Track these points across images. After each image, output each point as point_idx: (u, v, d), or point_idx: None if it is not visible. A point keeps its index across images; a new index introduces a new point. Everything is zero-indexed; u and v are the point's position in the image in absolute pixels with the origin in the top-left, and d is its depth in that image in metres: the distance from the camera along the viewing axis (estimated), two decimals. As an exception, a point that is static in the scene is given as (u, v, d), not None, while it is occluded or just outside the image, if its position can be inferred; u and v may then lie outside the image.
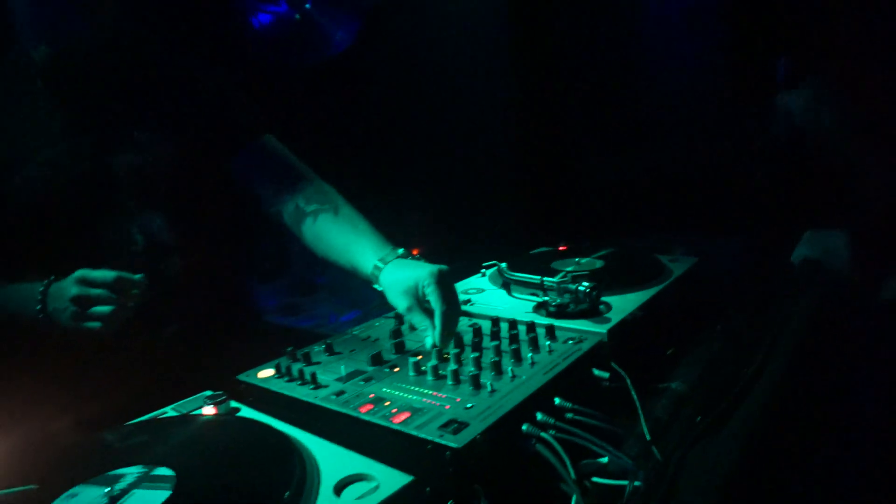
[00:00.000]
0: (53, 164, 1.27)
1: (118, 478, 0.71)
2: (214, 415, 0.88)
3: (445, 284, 1.10)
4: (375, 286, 1.25)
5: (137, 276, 1.15)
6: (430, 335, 1.07)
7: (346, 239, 1.37)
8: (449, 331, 1.06)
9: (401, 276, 1.17)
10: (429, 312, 1.10)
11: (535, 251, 1.78)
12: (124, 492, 0.68)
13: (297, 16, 2.45)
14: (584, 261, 1.52)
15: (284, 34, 2.47)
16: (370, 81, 2.85)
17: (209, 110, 1.47)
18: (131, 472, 0.72)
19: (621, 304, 1.22)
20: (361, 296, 1.65)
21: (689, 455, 0.85)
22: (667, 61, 2.36)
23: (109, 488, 0.68)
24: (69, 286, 1.14)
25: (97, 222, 1.32)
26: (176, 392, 0.97)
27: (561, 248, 1.74)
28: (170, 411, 0.91)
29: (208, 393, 0.94)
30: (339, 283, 2.45)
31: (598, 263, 1.50)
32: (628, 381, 0.99)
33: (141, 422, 0.89)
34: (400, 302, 1.15)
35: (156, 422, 0.89)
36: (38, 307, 1.17)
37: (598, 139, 2.59)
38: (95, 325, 1.14)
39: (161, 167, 1.38)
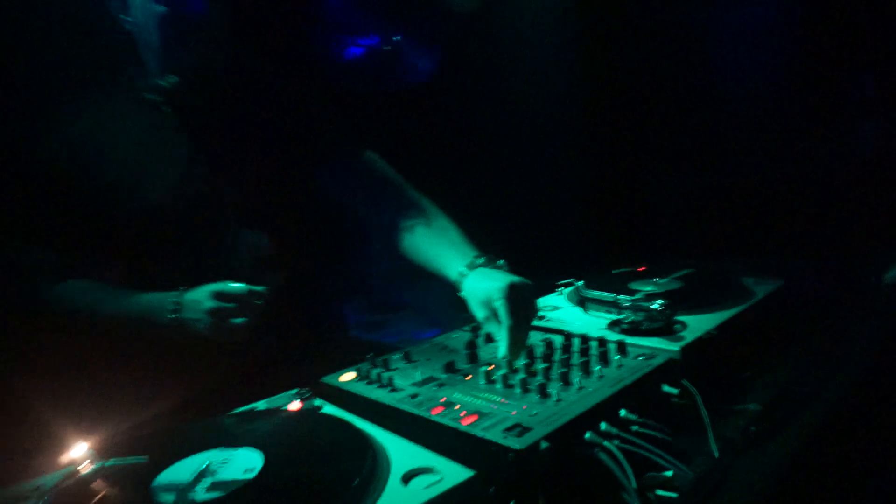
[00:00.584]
0: (174, 183, 1.43)
1: (214, 455, 0.80)
2: (299, 409, 0.97)
3: (516, 299, 1.14)
4: (460, 294, 1.30)
5: (261, 288, 1.27)
6: (500, 346, 1.11)
7: (437, 248, 1.45)
8: (516, 344, 1.10)
9: (479, 287, 1.22)
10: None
11: (616, 271, 1.78)
12: (217, 468, 0.77)
13: (388, 48, 2.61)
14: (662, 281, 1.51)
15: (375, 65, 2.63)
16: (446, 108, 2.96)
17: (312, 131, 1.60)
18: (225, 452, 0.81)
19: (697, 324, 1.21)
20: (444, 314, 1.71)
21: (738, 463, 0.85)
22: (750, 77, 2.31)
23: (207, 463, 0.77)
24: (205, 299, 1.25)
25: (208, 236, 1.46)
26: (268, 390, 1.07)
27: (640, 269, 1.73)
28: (261, 405, 1.01)
29: (295, 391, 1.03)
30: (424, 302, 2.54)
31: (677, 284, 1.49)
32: (698, 398, 0.99)
33: (237, 412, 0.98)
34: (478, 311, 1.20)
35: (250, 413, 0.98)
36: (172, 315, 1.28)
37: (686, 159, 2.56)
38: (230, 336, 1.25)
39: (265, 188, 1.52)
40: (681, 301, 1.29)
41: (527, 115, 2.88)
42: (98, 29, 1.46)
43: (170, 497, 0.72)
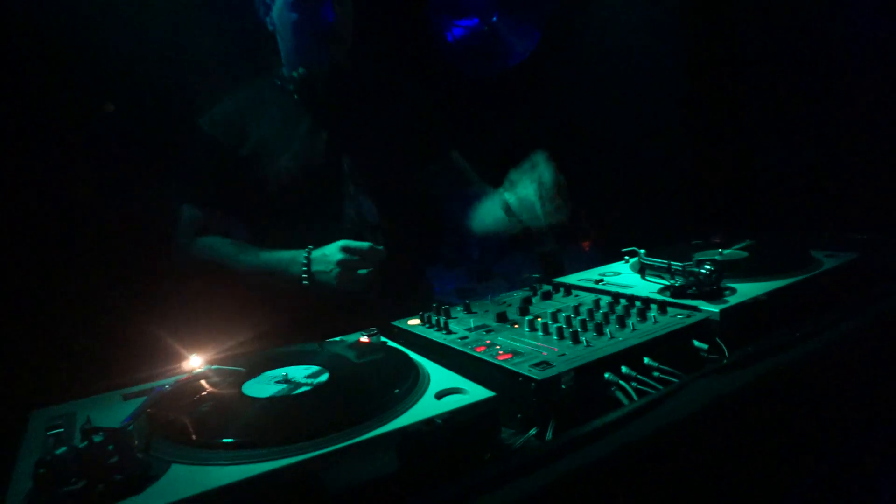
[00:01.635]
0: (300, 156, 1.74)
1: (297, 371, 1.00)
2: (366, 342, 1.15)
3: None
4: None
5: (380, 247, 1.51)
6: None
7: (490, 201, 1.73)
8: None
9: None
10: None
11: (694, 242, 1.81)
12: (296, 377, 0.97)
13: (486, 28, 2.73)
14: (726, 251, 1.55)
15: (474, 46, 2.76)
16: (545, 77, 3.02)
17: (412, 125, 1.92)
18: (304, 367, 1.01)
19: (748, 290, 1.26)
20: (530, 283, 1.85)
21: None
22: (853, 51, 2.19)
23: (287, 374, 0.97)
24: (335, 253, 1.51)
25: (326, 202, 1.75)
26: (352, 329, 1.26)
27: (716, 241, 1.76)
28: (336, 339, 1.20)
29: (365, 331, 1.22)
30: (512, 271, 2.67)
31: (742, 254, 1.52)
32: (726, 351, 1.06)
33: (318, 342, 1.19)
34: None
35: (328, 342, 1.18)
36: (304, 268, 1.55)
37: (783, 131, 2.48)
38: (354, 286, 1.50)
39: (373, 163, 1.81)
40: (735, 268, 1.34)
41: (627, 91, 2.89)
42: (249, 30, 1.85)
43: (251, 392, 0.93)
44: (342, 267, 1.49)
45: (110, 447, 0.73)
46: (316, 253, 1.55)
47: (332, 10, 1.69)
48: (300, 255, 1.58)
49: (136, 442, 0.78)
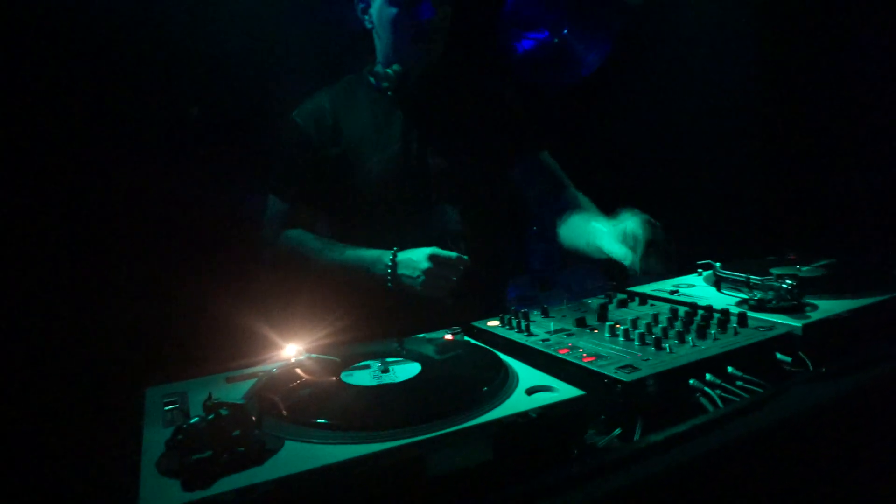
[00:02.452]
0: (390, 158, 1.77)
1: (389, 363, 1.06)
2: (451, 339, 1.20)
3: (649, 224, 1.42)
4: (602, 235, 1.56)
5: (465, 258, 1.55)
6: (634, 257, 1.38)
7: (587, 227, 1.69)
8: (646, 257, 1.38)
9: (620, 224, 1.50)
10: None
11: (767, 258, 1.81)
12: (389, 369, 1.03)
13: (556, 40, 2.77)
14: (805, 269, 1.54)
15: (545, 58, 2.80)
16: (620, 87, 3.03)
17: (503, 127, 1.91)
18: (397, 360, 1.06)
19: (830, 307, 1.26)
20: (588, 294, 1.88)
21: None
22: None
23: (381, 365, 1.03)
24: (422, 260, 1.54)
25: (411, 205, 1.78)
26: (435, 327, 1.32)
27: (791, 258, 1.74)
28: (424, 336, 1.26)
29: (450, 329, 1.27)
30: (573, 282, 2.69)
31: (819, 272, 1.51)
32: (809, 365, 1.06)
33: (408, 338, 1.24)
34: (613, 243, 1.47)
35: (415, 338, 1.23)
36: (389, 270, 1.60)
37: (858, 152, 2.43)
38: (438, 294, 1.54)
39: (461, 169, 1.82)
40: (816, 286, 1.34)
41: (704, 104, 2.88)
42: (345, 28, 1.90)
43: (351, 380, 0.99)
44: (428, 275, 1.53)
45: (233, 421, 0.80)
46: (402, 256, 1.59)
47: (432, 7, 1.71)
48: (385, 255, 1.61)
49: (253, 418, 0.85)
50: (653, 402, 0.96)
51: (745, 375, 1.02)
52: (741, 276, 1.39)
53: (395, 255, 1.60)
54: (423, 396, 0.93)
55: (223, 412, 0.79)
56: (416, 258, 1.55)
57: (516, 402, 0.90)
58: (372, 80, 1.84)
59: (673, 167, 2.96)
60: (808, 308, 1.26)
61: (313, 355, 1.07)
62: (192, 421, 0.77)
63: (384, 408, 0.90)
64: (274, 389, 0.95)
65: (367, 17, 1.83)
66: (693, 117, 2.93)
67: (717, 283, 1.50)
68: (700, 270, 1.65)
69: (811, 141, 2.65)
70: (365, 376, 1.01)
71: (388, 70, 1.78)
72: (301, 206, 1.80)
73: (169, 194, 1.83)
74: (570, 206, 1.82)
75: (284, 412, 0.87)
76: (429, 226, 1.76)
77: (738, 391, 0.99)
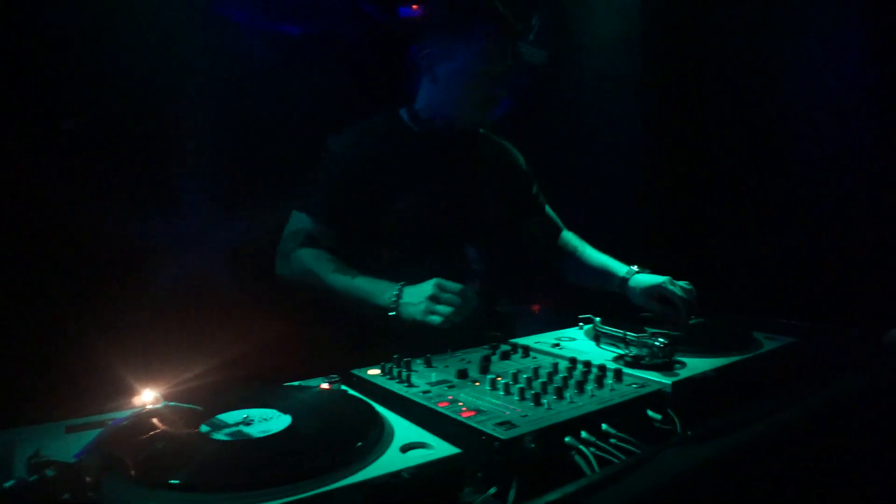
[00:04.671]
0: (423, 197, 1.83)
1: (253, 412, 0.98)
2: (328, 388, 1.14)
3: (680, 286, 1.73)
4: (627, 285, 1.92)
5: (472, 293, 1.56)
6: (680, 314, 1.69)
7: (603, 260, 2.08)
8: (689, 313, 1.69)
9: (647, 280, 1.85)
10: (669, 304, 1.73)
11: (644, 315, 1.89)
12: (254, 420, 0.95)
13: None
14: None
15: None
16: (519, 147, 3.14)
17: (516, 188, 2.12)
18: (263, 411, 0.98)
19: (697, 365, 1.32)
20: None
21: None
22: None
23: (246, 416, 0.95)
24: (427, 287, 1.55)
25: (436, 246, 1.84)
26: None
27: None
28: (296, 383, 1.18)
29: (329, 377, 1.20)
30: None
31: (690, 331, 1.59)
32: (678, 423, 1.10)
33: (279, 385, 1.16)
34: (642, 299, 1.83)
35: (288, 386, 1.16)
36: (394, 301, 1.59)
37: (738, 214, 2.64)
38: (436, 319, 1.51)
39: (479, 215, 1.94)
40: (686, 344, 1.40)
41: (594, 164, 3.02)
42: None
43: (210, 432, 0.90)
44: (430, 300, 1.53)
45: (62, 484, 0.69)
46: (410, 288, 1.60)
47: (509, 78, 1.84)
48: (394, 287, 1.62)
49: (88, 479, 0.74)
50: (530, 459, 0.95)
51: (618, 433, 1.03)
52: (619, 332, 1.44)
53: (402, 287, 1.61)
54: (288, 453, 0.86)
55: (49, 473, 0.69)
56: (423, 286, 1.57)
57: (390, 461, 0.85)
58: (412, 125, 1.91)
59: (562, 216, 3.07)
60: (677, 366, 1.31)
61: (171, 403, 0.97)
62: (7, 485, 0.66)
63: (241, 465, 0.82)
64: (120, 443, 0.85)
65: (426, 56, 1.85)
66: (588, 175, 3.08)
67: (597, 337, 1.54)
68: (581, 324, 1.69)
69: (693, 201, 2.84)
70: (228, 428, 0.93)
71: (433, 118, 1.89)
72: (323, 227, 1.79)
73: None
74: (568, 247, 2.17)
75: (122, 470, 0.77)
76: (449, 264, 1.82)
77: (612, 449, 0.99)
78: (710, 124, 2.82)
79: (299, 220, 1.81)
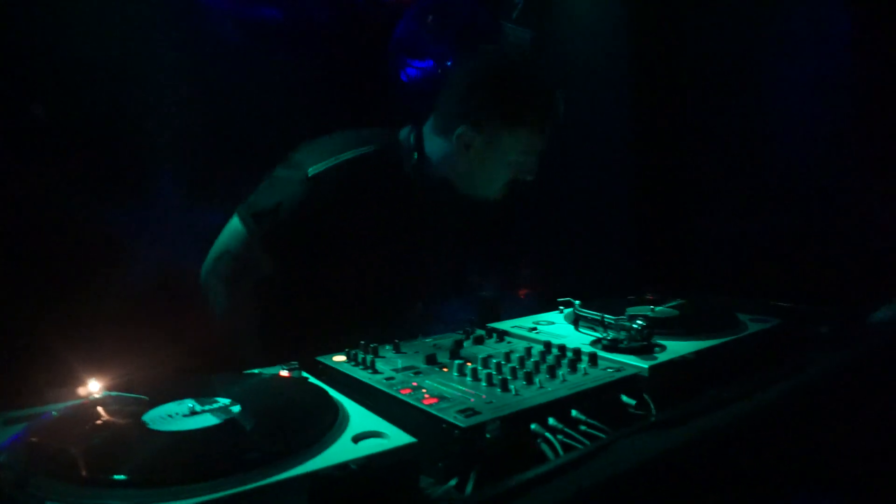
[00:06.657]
0: (386, 259, 1.73)
1: (204, 402, 0.93)
2: (287, 376, 1.09)
3: None
4: None
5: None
6: None
7: None
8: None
9: None
10: None
11: (626, 298, 1.84)
12: (200, 409, 0.90)
13: (440, 71, 2.77)
14: (658, 308, 1.56)
15: (428, 88, 2.78)
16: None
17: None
18: (215, 399, 0.93)
19: (678, 348, 1.27)
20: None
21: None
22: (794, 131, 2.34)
23: (192, 405, 0.90)
24: None
25: (385, 296, 1.78)
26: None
27: (649, 297, 1.78)
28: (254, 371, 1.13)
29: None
30: (448, 315, 2.65)
31: (673, 312, 1.54)
32: (653, 409, 1.05)
33: (233, 374, 1.11)
34: None
35: (244, 375, 1.11)
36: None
37: (724, 197, 2.59)
38: None
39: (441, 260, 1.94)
40: (666, 326, 1.35)
41: (575, 138, 2.96)
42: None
43: (153, 423, 0.85)
44: None
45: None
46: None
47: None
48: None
49: (12, 477, 0.70)
50: (493, 448, 0.90)
51: (588, 420, 0.98)
52: (597, 315, 1.39)
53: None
54: (230, 444, 0.81)
55: (-40, 469, 0.64)
56: None
57: (339, 452, 0.80)
58: (412, 172, 1.73)
59: (543, 203, 3.01)
60: (657, 349, 1.26)
61: (114, 393, 0.92)
62: None
63: (180, 458, 0.77)
64: (50, 436, 0.80)
65: (461, 140, 1.67)
66: (567, 157, 3.02)
67: (576, 321, 1.49)
68: (561, 308, 1.64)
69: (675, 185, 2.79)
70: (172, 419, 0.88)
71: (435, 172, 1.74)
72: (267, 258, 1.63)
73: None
74: None
75: (51, 466, 0.72)
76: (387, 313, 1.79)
77: (580, 437, 0.95)
78: (695, 106, 2.76)
79: (237, 237, 1.63)
